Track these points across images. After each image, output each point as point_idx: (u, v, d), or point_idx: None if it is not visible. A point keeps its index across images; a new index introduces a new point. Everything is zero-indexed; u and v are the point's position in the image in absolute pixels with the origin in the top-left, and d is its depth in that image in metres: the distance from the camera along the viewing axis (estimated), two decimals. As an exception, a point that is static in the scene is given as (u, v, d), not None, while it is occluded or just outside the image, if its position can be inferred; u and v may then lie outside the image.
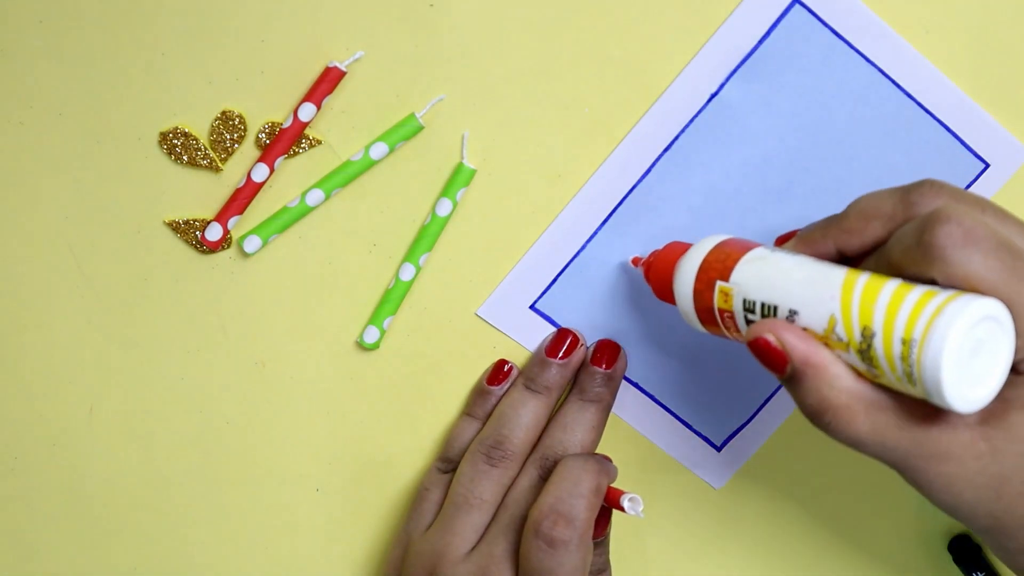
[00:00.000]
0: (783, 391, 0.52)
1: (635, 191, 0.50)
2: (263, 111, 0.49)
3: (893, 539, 0.54)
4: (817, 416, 0.37)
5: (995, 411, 0.36)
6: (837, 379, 0.37)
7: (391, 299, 0.50)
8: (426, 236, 0.50)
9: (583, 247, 0.50)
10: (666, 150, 0.49)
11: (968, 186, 0.50)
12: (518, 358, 0.52)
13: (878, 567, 0.54)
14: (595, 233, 0.50)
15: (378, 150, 0.49)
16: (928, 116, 0.49)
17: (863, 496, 0.53)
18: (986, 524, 0.37)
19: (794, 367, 0.37)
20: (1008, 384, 0.36)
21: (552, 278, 0.51)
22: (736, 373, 0.51)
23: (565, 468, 0.46)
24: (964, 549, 0.53)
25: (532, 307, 0.51)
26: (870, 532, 0.54)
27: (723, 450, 0.52)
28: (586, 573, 0.44)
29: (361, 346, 0.51)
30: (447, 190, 0.49)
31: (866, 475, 0.53)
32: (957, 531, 0.54)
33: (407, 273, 0.50)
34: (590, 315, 0.51)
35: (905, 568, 0.54)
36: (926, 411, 0.36)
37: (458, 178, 0.49)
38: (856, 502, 0.53)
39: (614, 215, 0.50)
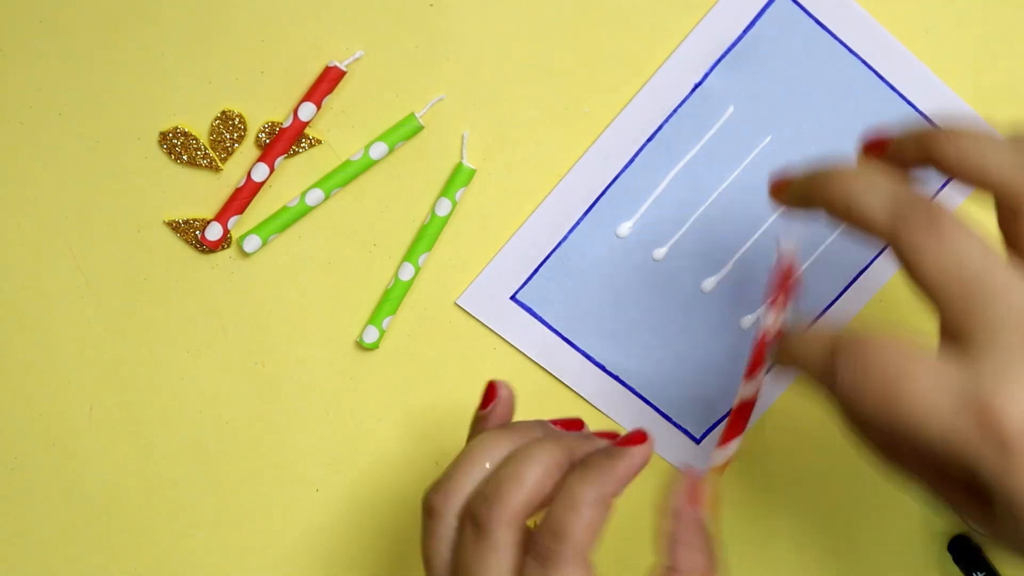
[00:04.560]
0: (764, 382, 0.52)
1: (618, 181, 0.50)
2: (263, 111, 0.49)
3: (892, 539, 0.54)
4: None
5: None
6: None
7: (390, 299, 0.50)
8: (425, 236, 0.50)
9: (565, 237, 0.50)
10: (649, 140, 0.49)
11: (948, 181, 0.50)
12: (507, 352, 0.52)
13: (877, 567, 0.54)
14: (577, 223, 0.50)
15: (378, 150, 0.49)
16: (913, 110, 0.49)
17: (857, 494, 0.53)
18: None
19: None
20: None
21: (533, 269, 0.51)
22: (717, 365, 0.51)
23: (564, 483, 0.40)
24: (964, 549, 0.53)
25: (513, 298, 0.51)
26: (867, 530, 0.54)
27: (702, 442, 0.52)
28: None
29: (361, 346, 0.51)
30: (446, 190, 0.49)
31: (857, 473, 0.53)
32: (957, 531, 0.54)
33: (406, 273, 0.50)
34: (571, 306, 0.51)
35: (905, 568, 0.54)
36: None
37: (457, 178, 0.49)
38: (850, 501, 0.53)
39: (596, 205, 0.50)
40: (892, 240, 0.35)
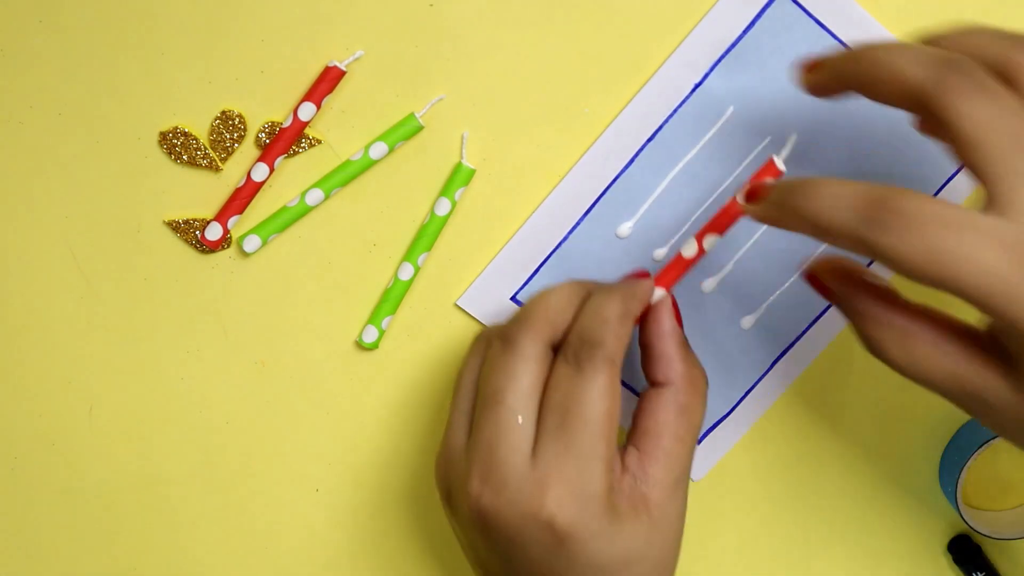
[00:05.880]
0: (762, 384, 0.52)
1: (618, 181, 0.50)
2: (263, 111, 0.49)
3: (892, 539, 0.54)
4: (861, 341, 0.41)
5: (1010, 355, 0.37)
6: (870, 309, 0.40)
7: (390, 299, 0.50)
8: (425, 236, 0.50)
9: (565, 237, 0.50)
10: (649, 140, 0.49)
11: (950, 179, 0.50)
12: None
13: (876, 567, 0.54)
14: (577, 223, 0.50)
15: (378, 150, 0.49)
16: None
17: (858, 492, 0.53)
18: None
19: (835, 295, 0.41)
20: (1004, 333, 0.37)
21: (534, 269, 0.51)
22: (716, 365, 0.51)
23: (589, 302, 0.45)
24: (964, 549, 0.53)
25: (513, 299, 0.51)
26: (867, 531, 0.54)
27: (702, 442, 0.52)
28: (614, 397, 0.42)
29: (360, 346, 0.51)
30: (446, 190, 0.49)
31: (857, 473, 0.53)
32: (957, 531, 0.54)
33: (406, 273, 0.50)
34: None
35: (905, 568, 0.54)
36: (960, 351, 0.38)
37: (457, 178, 0.49)
38: (851, 499, 0.53)
39: (597, 205, 0.50)
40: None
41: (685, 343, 0.46)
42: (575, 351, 0.42)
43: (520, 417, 0.42)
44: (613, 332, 0.42)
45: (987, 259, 0.33)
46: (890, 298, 0.40)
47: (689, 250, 0.46)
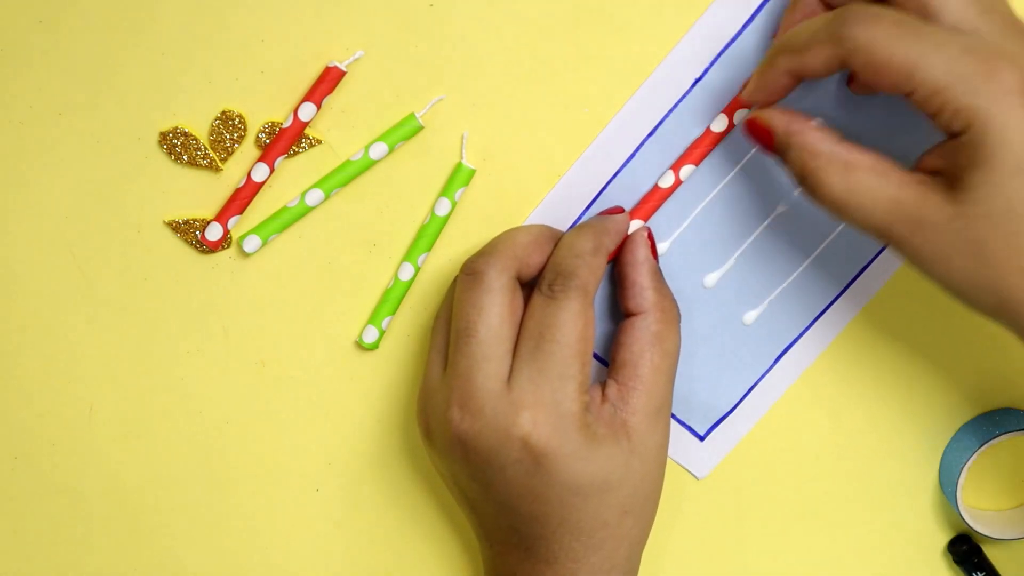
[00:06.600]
0: (767, 380, 0.52)
1: (618, 177, 0.50)
2: (263, 111, 0.49)
3: (892, 539, 0.54)
4: (801, 181, 0.42)
5: (953, 177, 0.39)
6: (815, 143, 0.41)
7: (390, 299, 0.50)
8: (425, 236, 0.50)
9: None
10: (649, 136, 0.49)
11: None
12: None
13: (876, 567, 0.54)
14: (579, 219, 0.50)
15: (378, 150, 0.49)
16: None
17: (859, 492, 0.53)
18: (993, 304, 0.39)
19: (779, 138, 0.43)
20: (950, 150, 0.39)
21: None
22: (720, 362, 0.51)
23: (563, 238, 0.47)
24: (964, 549, 0.53)
25: None
26: (867, 531, 0.54)
27: (706, 440, 0.52)
28: (587, 322, 0.44)
29: (360, 346, 0.51)
30: (446, 190, 0.49)
31: (857, 473, 0.53)
32: (957, 531, 0.54)
33: (406, 273, 0.50)
34: None
35: (905, 568, 0.54)
36: (901, 177, 0.40)
37: (457, 178, 0.49)
38: (851, 498, 0.53)
39: (597, 201, 0.50)
40: (843, 40, 0.40)
41: (658, 274, 0.47)
42: (549, 283, 0.44)
43: (493, 347, 0.44)
44: (586, 265, 0.44)
45: (951, 52, 0.37)
46: (832, 136, 0.42)
47: (666, 180, 0.48)
